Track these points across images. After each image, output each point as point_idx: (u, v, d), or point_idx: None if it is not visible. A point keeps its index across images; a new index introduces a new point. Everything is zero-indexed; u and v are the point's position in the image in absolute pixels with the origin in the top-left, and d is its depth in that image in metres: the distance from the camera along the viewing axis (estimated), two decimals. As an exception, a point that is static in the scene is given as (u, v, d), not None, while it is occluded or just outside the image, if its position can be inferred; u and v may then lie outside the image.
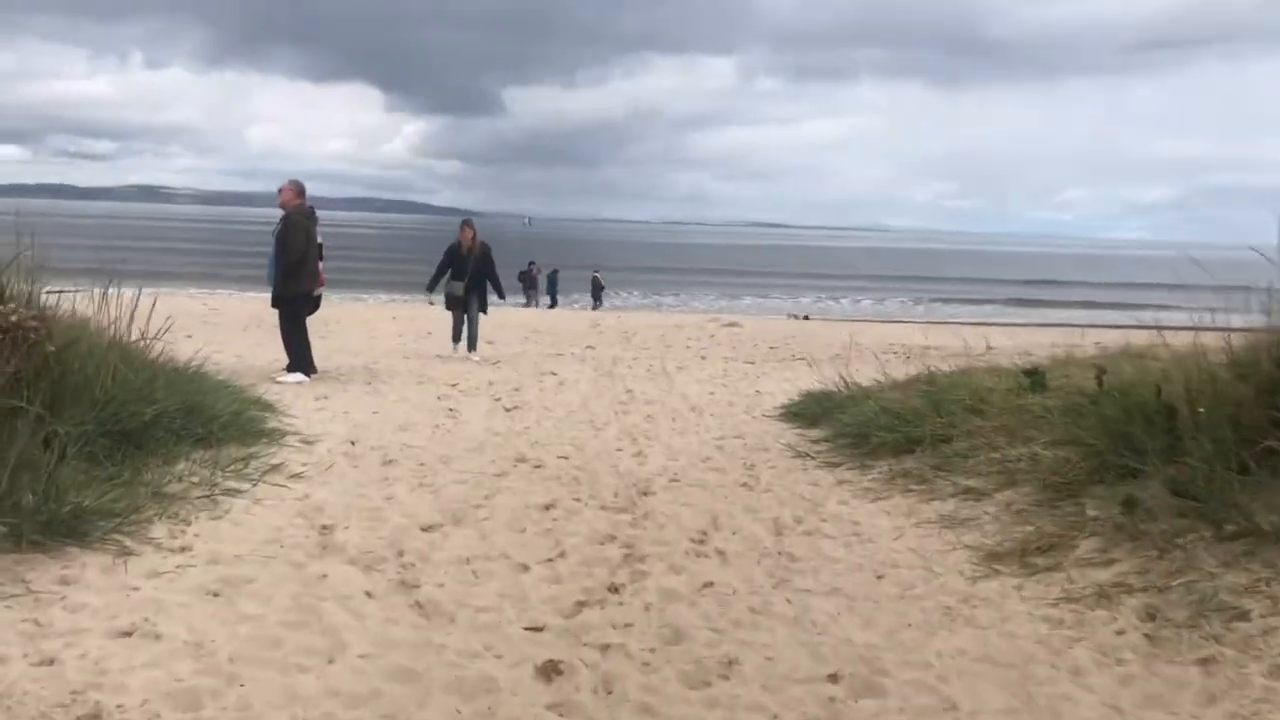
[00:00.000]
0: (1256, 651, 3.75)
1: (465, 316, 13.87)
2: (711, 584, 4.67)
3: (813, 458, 7.55)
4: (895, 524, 5.77)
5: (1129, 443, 5.62)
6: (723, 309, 42.34)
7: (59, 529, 4.56)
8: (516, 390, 10.89)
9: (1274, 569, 4.25)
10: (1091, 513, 5.32)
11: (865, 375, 10.13)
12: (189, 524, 5.12)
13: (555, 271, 38.75)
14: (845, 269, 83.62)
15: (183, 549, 4.77)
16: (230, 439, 6.76)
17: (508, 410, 9.55)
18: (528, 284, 36.37)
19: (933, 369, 9.07)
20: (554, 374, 12.49)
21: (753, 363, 14.82)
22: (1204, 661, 3.75)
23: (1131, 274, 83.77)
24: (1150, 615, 4.19)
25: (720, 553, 5.18)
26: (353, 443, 7.48)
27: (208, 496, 5.56)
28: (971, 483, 6.22)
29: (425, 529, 5.38)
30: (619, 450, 7.81)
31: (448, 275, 13.80)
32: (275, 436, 7.27)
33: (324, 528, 5.28)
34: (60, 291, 7.43)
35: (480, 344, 14.05)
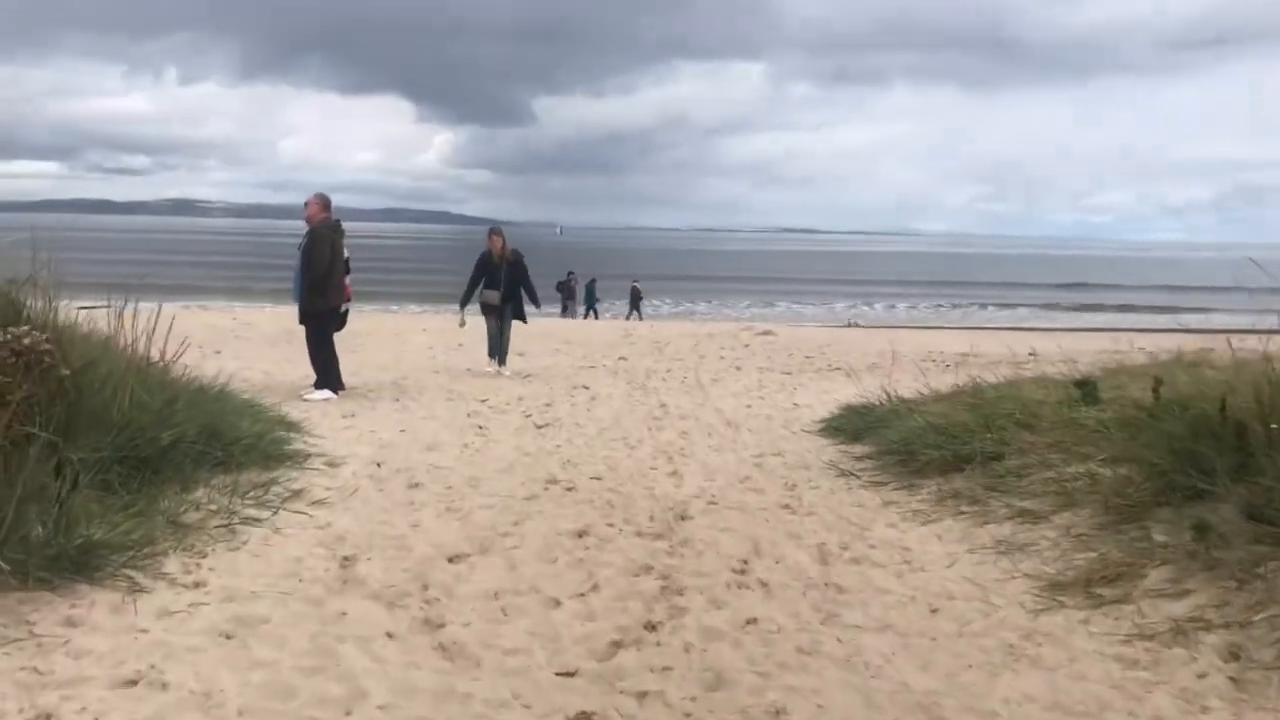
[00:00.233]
0: (1357, 698, 3.42)
1: (500, 327, 13.52)
2: (755, 620, 4.37)
3: (856, 476, 7.23)
4: (948, 550, 5.44)
5: (1195, 461, 5.28)
6: (754, 316, 42.01)
7: (67, 564, 4.34)
8: (548, 406, 10.64)
9: (1368, 602, 3.92)
10: (1159, 538, 4.98)
11: (906, 386, 9.82)
12: (205, 556, 4.89)
13: (594, 281, 37.77)
14: (879, 275, 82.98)
15: (197, 584, 4.53)
16: (252, 463, 6.53)
17: (539, 427, 9.30)
18: (566, 294, 35.88)
19: (978, 379, 8.74)
20: (586, 388, 12.23)
21: (789, 373, 14.49)
22: (1298, 710, 3.42)
23: (1171, 276, 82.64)
24: (1233, 654, 3.86)
25: (763, 584, 4.88)
26: (378, 465, 7.24)
27: (225, 526, 5.33)
28: (1027, 504, 5.89)
29: (451, 559, 5.11)
30: (654, 470, 7.53)
31: (481, 286, 13.48)
32: (299, 459, 7.04)
33: (345, 559, 5.02)
34: (90, 307, 7.28)
35: (511, 356, 13.77)
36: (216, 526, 5.30)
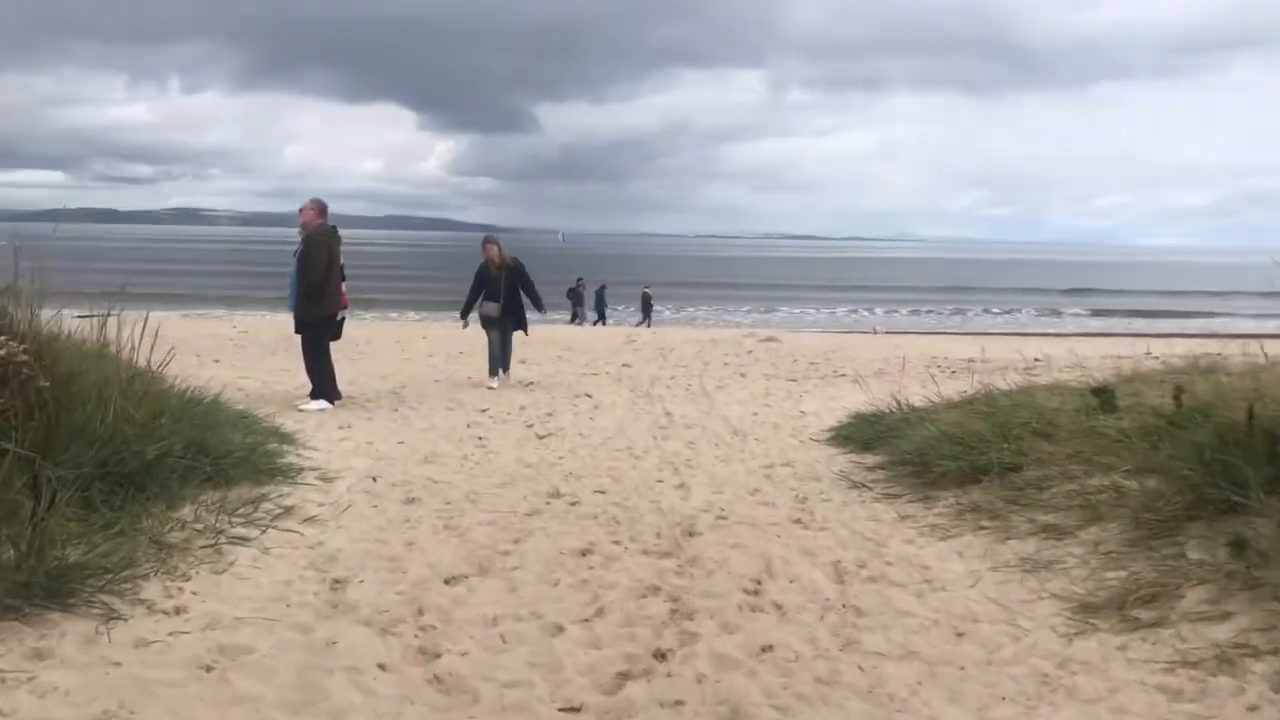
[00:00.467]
0: None
1: (502, 340, 13.05)
2: (770, 647, 4.10)
3: (869, 488, 6.97)
4: (970, 568, 5.17)
5: (1227, 473, 5.03)
6: (756, 322, 41.78)
7: (38, 591, 4.07)
8: (550, 415, 10.37)
9: None
10: (1194, 555, 4.72)
11: (914, 392, 9.58)
12: (188, 579, 4.62)
13: (603, 288, 37.40)
14: (882, 280, 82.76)
15: (178, 610, 4.26)
16: (243, 477, 6.27)
17: (540, 438, 9.04)
18: (575, 300, 35.55)
19: (988, 386, 8.50)
20: (589, 396, 11.97)
21: (794, 380, 14.22)
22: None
23: (1175, 281, 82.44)
24: (1285, 684, 3.60)
25: (778, 606, 4.61)
26: (374, 479, 6.98)
27: (212, 546, 5.06)
28: (1050, 518, 5.62)
29: (448, 581, 4.84)
30: (660, 482, 7.26)
31: (481, 297, 12.98)
32: (291, 473, 6.76)
33: (336, 582, 4.76)
34: (88, 316, 7.06)
35: (513, 364, 13.40)
36: (202, 547, 5.04)
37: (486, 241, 13.26)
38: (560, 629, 4.28)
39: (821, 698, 3.67)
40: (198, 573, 4.72)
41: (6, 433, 4.91)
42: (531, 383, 13.10)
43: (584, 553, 5.38)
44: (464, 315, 13.38)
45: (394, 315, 36.88)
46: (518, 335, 13.29)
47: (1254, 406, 5.19)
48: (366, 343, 17.65)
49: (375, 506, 6.26)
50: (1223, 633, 4.01)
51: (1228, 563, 4.49)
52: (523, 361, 14.47)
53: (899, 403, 8.92)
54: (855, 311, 53.61)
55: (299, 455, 7.43)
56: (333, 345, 10.89)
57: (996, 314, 54.37)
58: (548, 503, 6.52)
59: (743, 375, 14.73)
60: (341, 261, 10.83)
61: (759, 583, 4.93)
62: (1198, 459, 5.26)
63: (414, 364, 15.31)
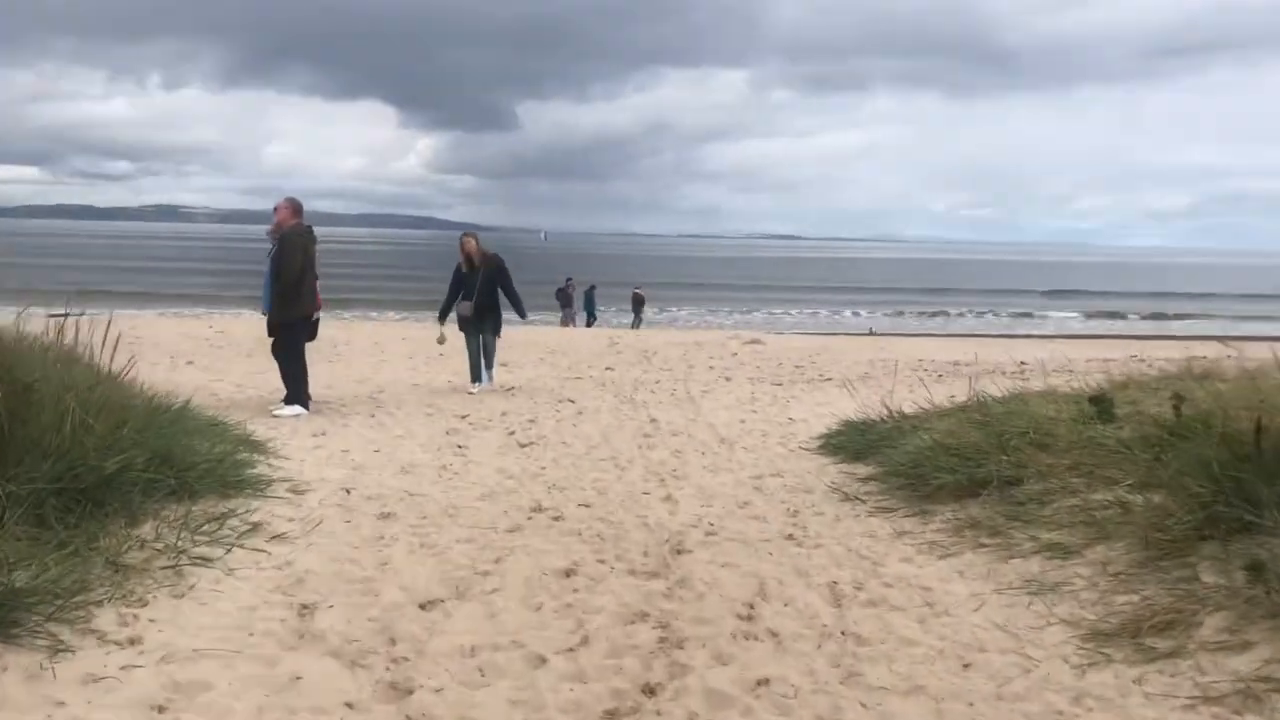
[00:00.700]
0: None
1: (479, 344, 12.52)
2: (767, 681, 3.84)
3: (863, 501, 6.73)
4: (972, 590, 4.93)
5: (1239, 490, 4.80)
6: (739, 323, 41.58)
7: (-22, 620, 3.78)
8: (532, 422, 10.09)
9: None
10: (1208, 578, 4.48)
11: (903, 398, 9.36)
12: (144, 605, 4.32)
13: (593, 288, 36.55)
14: (863, 281, 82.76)
15: (132, 641, 3.96)
16: (209, 491, 5.96)
17: (522, 446, 8.76)
18: (564, 301, 34.95)
19: (980, 392, 8.26)
20: (572, 401, 11.69)
21: (780, 384, 13.98)
22: None
23: (1156, 282, 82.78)
24: (1315, 724, 3.37)
25: (773, 634, 4.35)
26: (348, 491, 6.69)
27: (172, 567, 4.76)
28: (1054, 536, 5.38)
29: (424, 606, 4.57)
30: (646, 494, 7.00)
31: (460, 297, 12.43)
32: (260, 486, 6.45)
33: (304, 607, 4.47)
34: (58, 315, 6.78)
35: (494, 367, 13.03)
36: (162, 568, 4.74)
37: (464, 237, 12.81)
38: (543, 660, 4.01)
39: (823, 740, 3.42)
40: (155, 597, 4.42)
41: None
42: (513, 388, 12.80)
43: (568, 573, 5.12)
44: (441, 318, 12.94)
45: (374, 315, 36.54)
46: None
47: (1261, 419, 4.97)
48: (345, 344, 17.29)
49: (348, 522, 5.97)
50: (1245, 664, 3.78)
51: (1245, 587, 4.26)
52: (504, 365, 14.15)
53: (889, 410, 8.69)
54: (839, 313, 53.50)
55: (270, 465, 7.13)
56: (308, 346, 10.57)
57: (982, 314, 54.40)
58: (529, 518, 6.24)
59: (728, 379, 14.48)
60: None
61: (752, 606, 4.68)
62: (1206, 474, 5.03)
63: (393, 366, 14.99)
